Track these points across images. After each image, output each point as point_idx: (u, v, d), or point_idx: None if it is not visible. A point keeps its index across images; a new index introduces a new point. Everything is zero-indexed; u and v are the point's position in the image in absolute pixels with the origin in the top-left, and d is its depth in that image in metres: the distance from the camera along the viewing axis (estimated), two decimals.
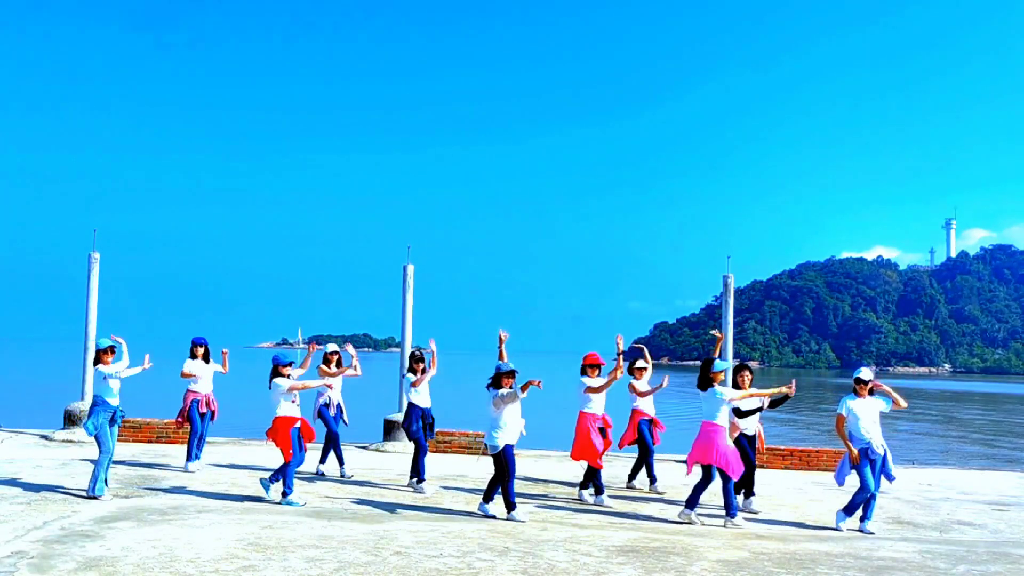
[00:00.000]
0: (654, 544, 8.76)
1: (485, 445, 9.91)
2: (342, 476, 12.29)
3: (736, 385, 10.80)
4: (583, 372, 11.16)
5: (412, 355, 11.97)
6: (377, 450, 15.34)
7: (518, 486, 11.83)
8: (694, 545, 8.79)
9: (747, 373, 10.86)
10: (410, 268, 16.16)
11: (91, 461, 12.71)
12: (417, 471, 11.48)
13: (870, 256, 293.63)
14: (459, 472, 13.18)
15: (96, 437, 10.15)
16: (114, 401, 10.29)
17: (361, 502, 10.52)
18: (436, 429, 12.00)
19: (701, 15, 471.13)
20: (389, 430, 15.73)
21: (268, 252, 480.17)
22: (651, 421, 12.27)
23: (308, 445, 10.62)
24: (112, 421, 10.29)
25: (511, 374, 9.80)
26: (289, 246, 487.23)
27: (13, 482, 10.94)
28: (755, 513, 10.79)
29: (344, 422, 12.57)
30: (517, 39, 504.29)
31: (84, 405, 15.41)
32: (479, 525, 9.35)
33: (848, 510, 10.06)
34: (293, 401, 10.32)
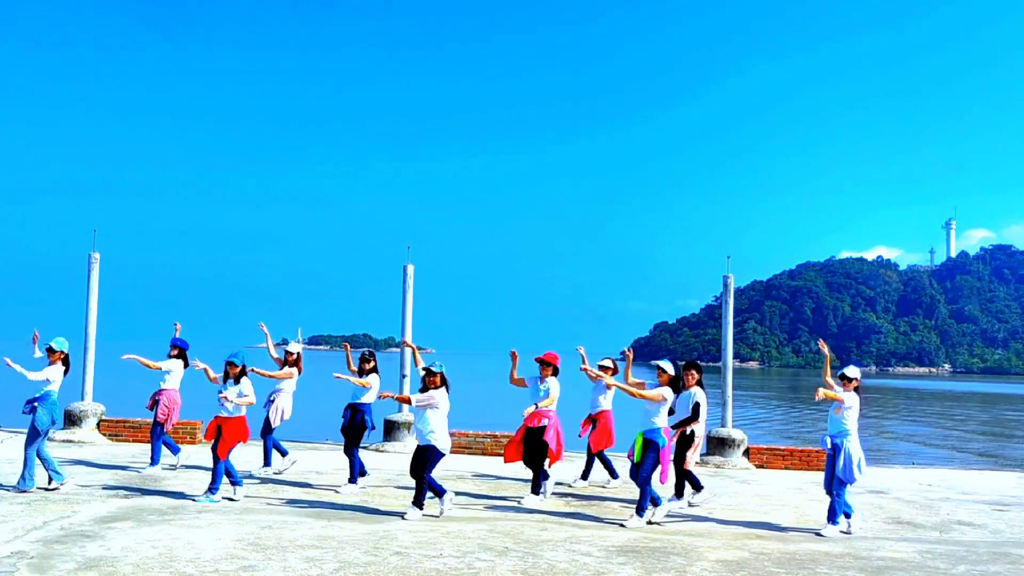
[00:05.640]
0: (654, 544, 8.76)
1: None
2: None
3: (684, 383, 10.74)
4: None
5: (362, 356, 11.75)
6: (377, 450, 15.35)
7: (516, 486, 11.83)
8: (694, 545, 8.79)
9: (693, 371, 10.83)
10: (410, 268, 16.18)
11: (82, 462, 12.71)
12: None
13: (870, 256, 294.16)
14: (458, 472, 13.18)
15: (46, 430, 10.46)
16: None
17: (360, 502, 10.52)
18: None
19: (703, 22, 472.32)
20: (389, 430, 15.74)
21: (268, 252, 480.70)
22: None
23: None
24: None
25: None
26: (289, 246, 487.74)
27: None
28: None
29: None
30: (519, 49, 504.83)
31: (84, 405, 15.43)
32: (479, 525, 9.35)
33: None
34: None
